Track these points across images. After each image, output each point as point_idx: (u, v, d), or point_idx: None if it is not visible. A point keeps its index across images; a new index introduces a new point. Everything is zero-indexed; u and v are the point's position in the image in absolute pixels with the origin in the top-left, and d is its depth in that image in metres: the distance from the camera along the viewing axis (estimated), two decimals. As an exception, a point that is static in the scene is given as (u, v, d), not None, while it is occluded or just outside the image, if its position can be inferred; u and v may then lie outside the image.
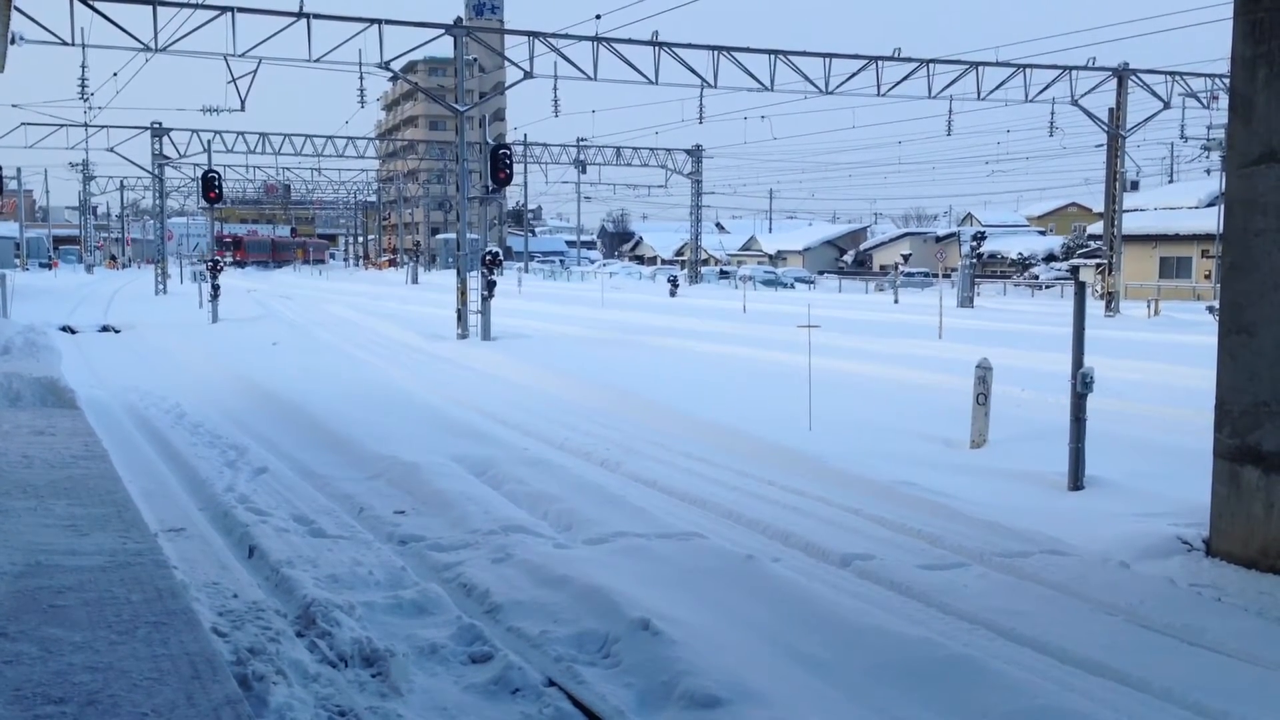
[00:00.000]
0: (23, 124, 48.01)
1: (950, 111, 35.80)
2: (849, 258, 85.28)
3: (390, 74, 28.07)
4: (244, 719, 4.13)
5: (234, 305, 33.52)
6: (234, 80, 28.78)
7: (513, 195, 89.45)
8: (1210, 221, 45.13)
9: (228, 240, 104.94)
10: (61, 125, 49.17)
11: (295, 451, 11.51)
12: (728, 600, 6.62)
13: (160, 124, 50.77)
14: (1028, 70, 34.31)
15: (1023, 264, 68.55)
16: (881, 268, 75.10)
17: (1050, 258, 66.61)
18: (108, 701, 4.24)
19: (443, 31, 26.79)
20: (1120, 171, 37.07)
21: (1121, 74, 35.50)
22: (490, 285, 24.76)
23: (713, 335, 24.76)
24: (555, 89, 30.78)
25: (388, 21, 26.46)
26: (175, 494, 9.52)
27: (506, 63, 29.23)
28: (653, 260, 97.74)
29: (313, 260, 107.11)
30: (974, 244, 49.79)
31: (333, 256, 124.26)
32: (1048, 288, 55.36)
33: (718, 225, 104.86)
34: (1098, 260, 43.32)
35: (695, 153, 63.88)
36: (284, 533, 8.15)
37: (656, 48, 29.58)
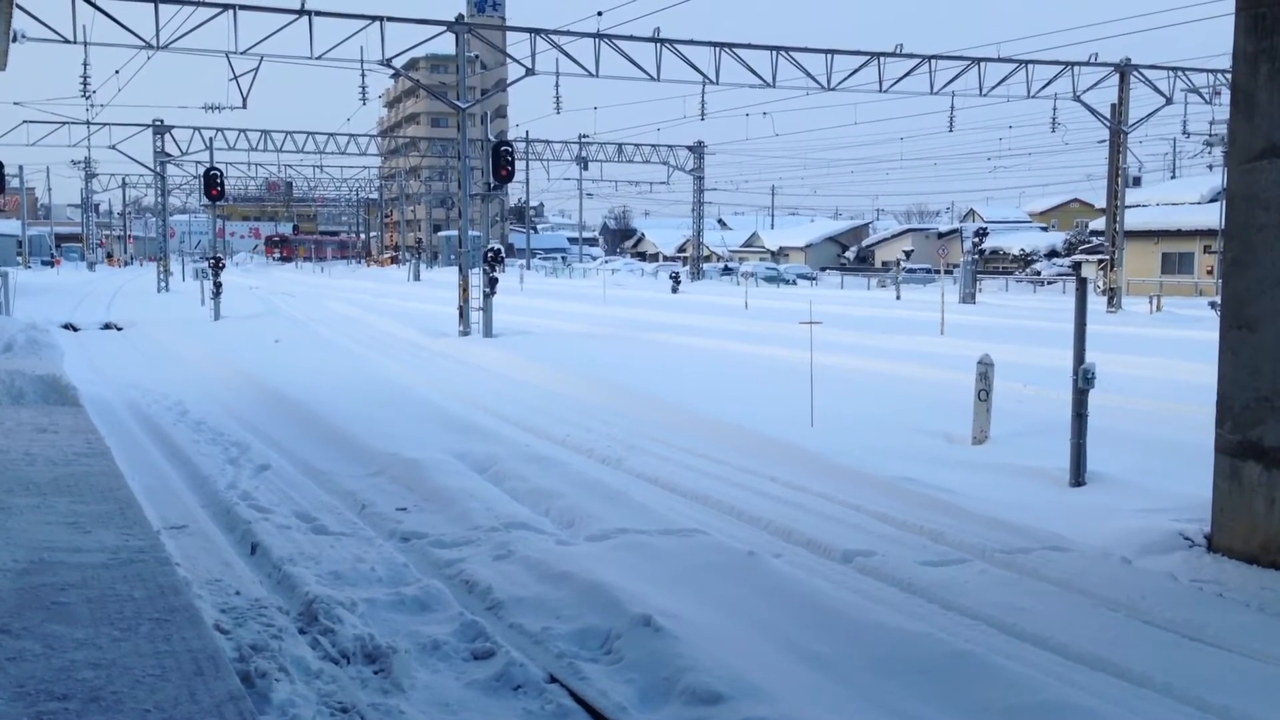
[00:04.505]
0: (25, 122, 48.19)
1: (952, 107, 35.82)
2: (851, 254, 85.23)
3: (392, 71, 28.07)
4: (246, 715, 4.13)
5: (236, 302, 33.54)
6: (235, 78, 28.81)
7: (515, 192, 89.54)
8: (1212, 217, 45.07)
9: (276, 239, 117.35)
10: (63, 123, 49.30)
11: (297, 448, 11.53)
12: (730, 596, 6.63)
13: (162, 121, 50.84)
14: (1030, 66, 34.29)
15: (1025, 260, 68.50)
16: (883, 264, 75.03)
17: (1052, 253, 66.56)
18: (110, 698, 4.25)
19: (444, 28, 26.79)
20: (1122, 167, 37.01)
21: (1123, 69, 35.46)
22: (492, 282, 24.76)
23: (715, 331, 24.75)
24: (557, 86, 30.81)
25: (389, 18, 26.46)
26: (178, 491, 9.53)
27: (508, 59, 29.22)
28: (655, 257, 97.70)
29: (360, 256, 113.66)
30: (976, 240, 49.64)
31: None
32: (1050, 284, 55.32)
33: (720, 222, 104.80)
34: (1100, 256, 43.28)
35: (697, 149, 63.82)
36: (286, 530, 8.17)
37: (658, 44, 29.57)
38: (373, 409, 13.74)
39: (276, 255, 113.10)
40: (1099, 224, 51.54)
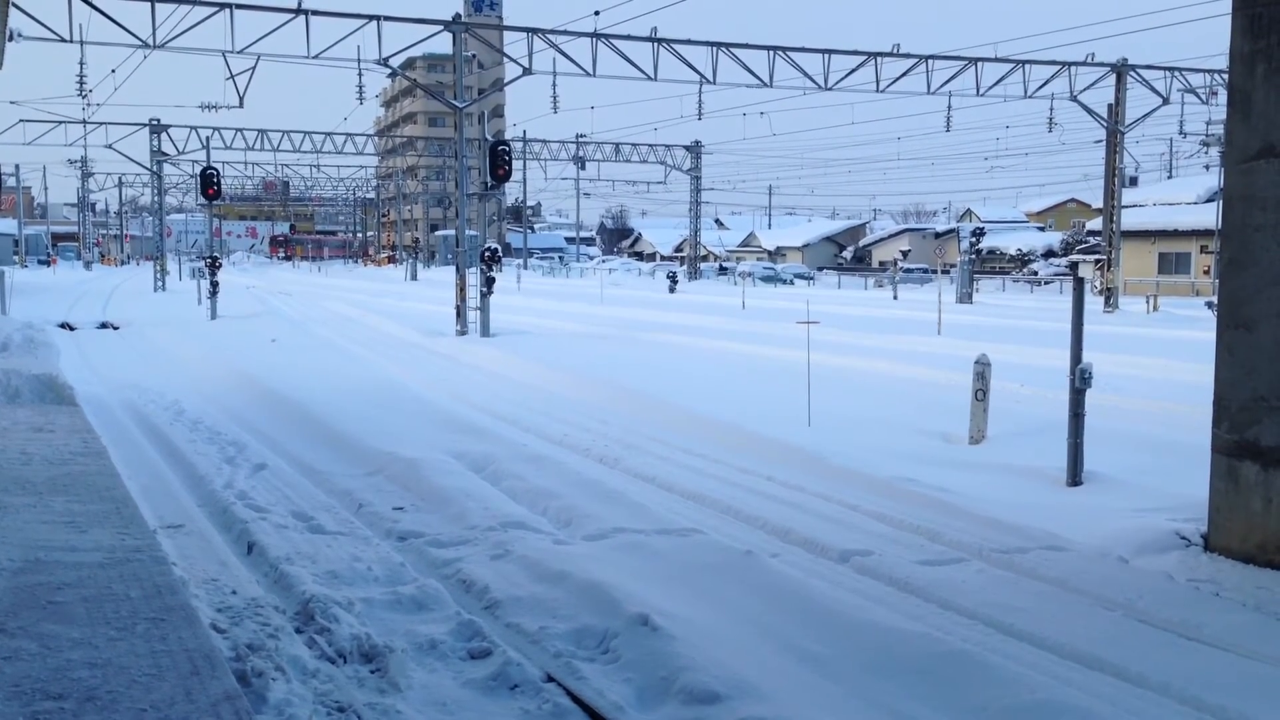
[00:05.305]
0: (21, 121, 48.12)
1: (949, 107, 35.90)
2: (848, 254, 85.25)
3: (389, 70, 28.09)
4: (243, 715, 4.13)
5: (233, 302, 33.51)
6: (232, 77, 28.81)
7: (512, 192, 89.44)
8: (1209, 217, 45.10)
9: (281, 239, 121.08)
10: (60, 122, 49.28)
11: (294, 448, 11.51)
12: (727, 596, 6.62)
13: (159, 121, 50.80)
14: (1027, 66, 34.34)
15: (1022, 260, 68.56)
16: (880, 264, 75.06)
17: (1049, 253, 66.62)
18: (106, 697, 4.25)
19: (441, 28, 26.79)
20: (1119, 167, 37.05)
21: (1120, 70, 35.49)
22: (489, 282, 24.76)
23: (712, 331, 24.75)
24: (554, 85, 30.87)
25: (386, 18, 26.46)
26: (174, 490, 9.52)
27: (505, 59, 29.23)
28: (652, 257, 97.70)
29: (357, 255, 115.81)
30: (973, 240, 49.66)
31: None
32: (1047, 284, 55.38)
33: (717, 221, 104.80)
34: (1097, 256, 43.32)
35: (694, 149, 63.84)
36: (283, 529, 8.16)
37: (655, 44, 29.58)
38: (369, 409, 13.73)
39: (281, 254, 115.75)
40: (1096, 224, 51.63)
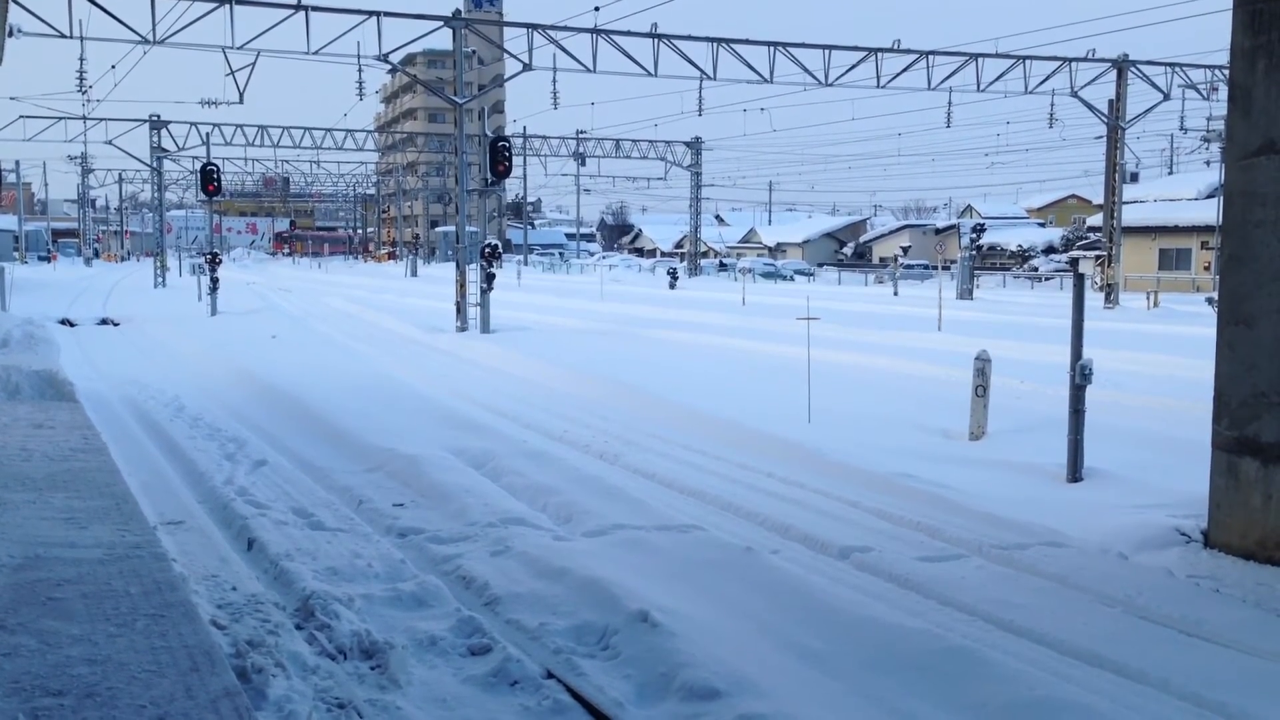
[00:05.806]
0: (21, 117, 48.05)
1: (950, 103, 35.92)
2: (848, 250, 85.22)
3: (389, 66, 28.07)
4: (242, 711, 4.13)
5: (233, 298, 33.51)
6: (232, 73, 28.82)
7: (512, 188, 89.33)
8: (1210, 213, 45.10)
9: (286, 236, 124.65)
10: (60, 118, 49.22)
11: (294, 444, 11.52)
12: (726, 592, 6.62)
13: (158, 117, 50.77)
14: (1027, 62, 34.33)
15: (1022, 256, 68.52)
16: (881, 260, 75.01)
17: (1050, 249, 66.59)
18: (106, 694, 4.25)
19: (441, 24, 26.78)
20: (1120, 163, 37.03)
21: (1121, 65, 35.46)
22: (489, 278, 24.75)
23: (712, 328, 24.74)
24: (554, 81, 30.86)
25: (386, 14, 26.46)
26: (174, 487, 9.52)
27: (505, 55, 29.22)
28: (652, 253, 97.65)
29: (357, 252, 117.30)
30: (973, 236, 49.82)
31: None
32: (1047, 279, 55.37)
33: (717, 218, 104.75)
34: (1097, 252, 43.30)
35: (694, 145, 63.78)
36: (283, 525, 8.16)
37: (656, 40, 29.58)
38: (370, 405, 13.73)
39: (286, 250, 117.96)
40: (1096, 220, 51.61)
